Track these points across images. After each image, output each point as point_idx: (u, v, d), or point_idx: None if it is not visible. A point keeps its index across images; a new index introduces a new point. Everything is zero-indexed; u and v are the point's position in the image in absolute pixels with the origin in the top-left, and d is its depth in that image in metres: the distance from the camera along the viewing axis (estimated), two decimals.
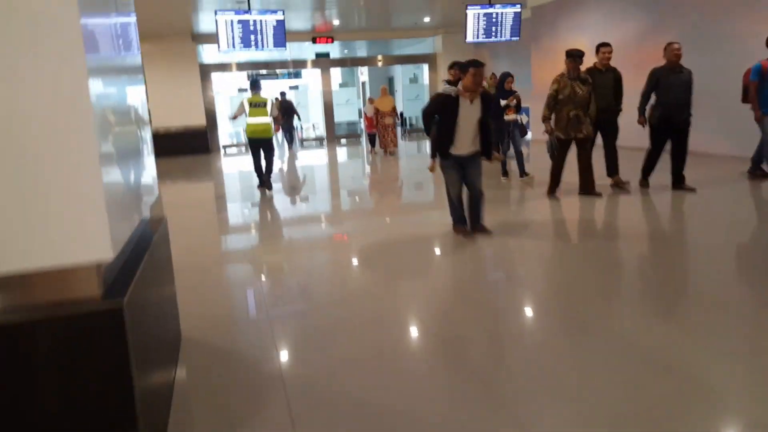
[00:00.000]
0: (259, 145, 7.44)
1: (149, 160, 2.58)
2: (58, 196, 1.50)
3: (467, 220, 4.69)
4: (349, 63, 16.71)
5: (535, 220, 5.34)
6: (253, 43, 8.94)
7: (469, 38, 10.20)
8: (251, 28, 8.85)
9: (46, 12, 1.43)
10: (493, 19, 10.18)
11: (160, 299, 2.35)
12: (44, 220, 1.50)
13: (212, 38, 12.51)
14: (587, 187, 5.81)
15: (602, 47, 5.89)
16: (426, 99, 15.82)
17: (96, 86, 1.58)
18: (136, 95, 2.39)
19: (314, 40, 14.35)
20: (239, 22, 8.77)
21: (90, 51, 1.56)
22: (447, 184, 4.57)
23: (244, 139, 12.78)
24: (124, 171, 1.96)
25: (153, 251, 2.24)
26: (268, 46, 9.04)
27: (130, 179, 2.07)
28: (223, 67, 14.77)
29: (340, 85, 17.08)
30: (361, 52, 18.81)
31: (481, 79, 4.15)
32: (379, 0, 11.00)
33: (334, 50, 16.80)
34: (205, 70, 13.93)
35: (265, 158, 7.50)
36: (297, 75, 22.43)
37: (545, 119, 5.60)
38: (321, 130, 15.88)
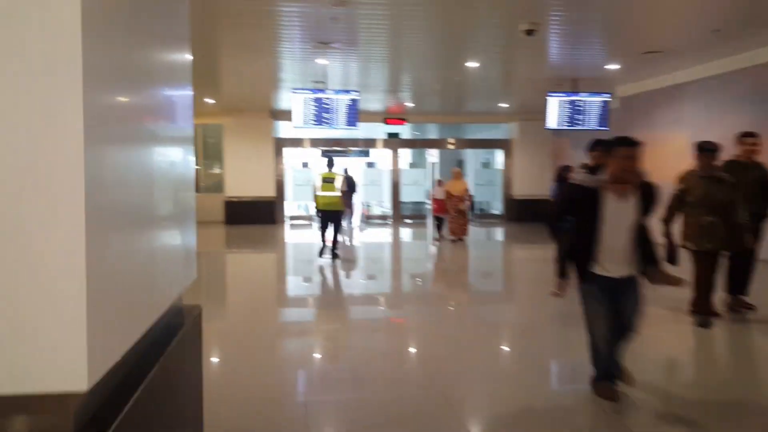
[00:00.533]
0: (328, 217, 8.05)
1: (186, 237, 2.07)
2: (13, 303, 1.10)
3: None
4: (419, 144, 16.62)
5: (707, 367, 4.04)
6: (326, 121, 8.87)
7: (550, 124, 9.63)
8: (325, 106, 8.81)
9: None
10: (579, 107, 9.61)
11: (172, 423, 1.75)
12: None
13: (289, 115, 12.93)
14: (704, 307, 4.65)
15: (747, 137, 4.93)
16: (499, 185, 15.22)
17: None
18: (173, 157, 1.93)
19: (386, 121, 14.42)
20: (314, 100, 8.77)
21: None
22: (588, 319, 3.09)
23: (312, 211, 13.61)
24: (134, 257, 1.47)
25: (169, 360, 1.69)
26: (340, 125, 8.92)
27: (146, 266, 1.58)
28: (296, 142, 15.11)
29: (410, 165, 16.96)
30: (433, 133, 18.81)
31: (636, 165, 2.89)
32: (454, 86, 10.84)
33: (405, 130, 16.87)
34: (280, 144, 14.26)
35: (334, 228, 8.13)
36: (366, 153, 22.83)
37: (666, 221, 4.53)
38: (387, 208, 15.62)
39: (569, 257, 3.10)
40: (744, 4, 5.89)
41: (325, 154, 20.08)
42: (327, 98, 8.81)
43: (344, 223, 10.31)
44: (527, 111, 13.87)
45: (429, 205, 17.19)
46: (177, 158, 1.97)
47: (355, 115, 8.96)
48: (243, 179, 13.62)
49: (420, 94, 11.99)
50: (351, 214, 14.01)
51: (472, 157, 18.97)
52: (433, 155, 22.91)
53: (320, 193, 7.92)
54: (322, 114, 8.84)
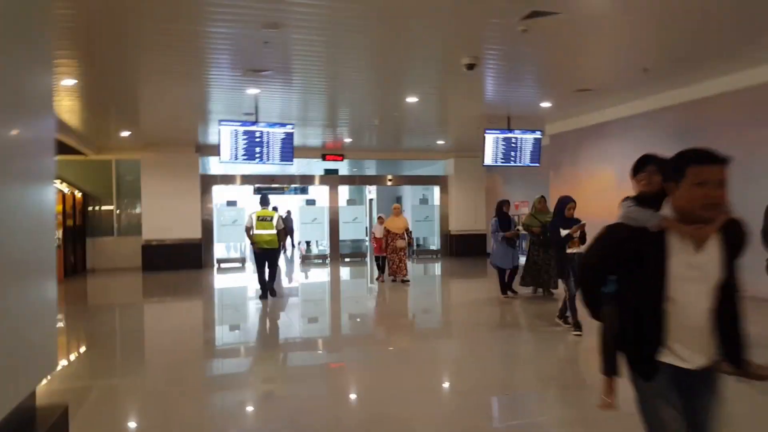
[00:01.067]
0: (264, 255, 8.08)
1: (39, 311, 1.42)
2: None
3: None
4: (357, 181, 16.32)
5: None
6: (258, 155, 8.26)
7: (488, 161, 9.60)
8: (257, 140, 8.23)
9: None
10: (513, 144, 9.68)
11: None
12: None
13: (217, 149, 12.17)
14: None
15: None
16: (436, 220, 15.10)
17: None
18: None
19: (324, 157, 13.99)
20: (245, 133, 8.16)
21: None
22: (649, 427, 1.94)
23: (246, 251, 13.19)
24: None
25: None
26: (274, 160, 8.34)
27: None
28: (227, 179, 14.26)
29: (348, 202, 16.51)
30: (370, 170, 18.60)
31: (722, 193, 1.80)
32: (392, 122, 10.67)
33: (343, 166, 16.53)
34: (208, 181, 13.35)
35: (269, 267, 8.18)
36: (304, 191, 22.17)
37: None
38: (325, 248, 14.99)
39: (618, 341, 1.98)
40: (672, 44, 6.09)
41: (258, 191, 19.39)
42: (259, 131, 8.23)
43: (280, 262, 10.12)
44: (463, 148, 13.98)
45: (368, 244, 16.83)
46: (28, 203, 1.37)
47: (290, 149, 8.42)
48: (164, 220, 12.52)
49: (358, 130, 11.70)
50: (285, 251, 13.35)
51: (409, 193, 18.88)
52: (371, 192, 22.73)
53: (256, 231, 7.97)
54: (254, 148, 8.23)
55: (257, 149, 8.25)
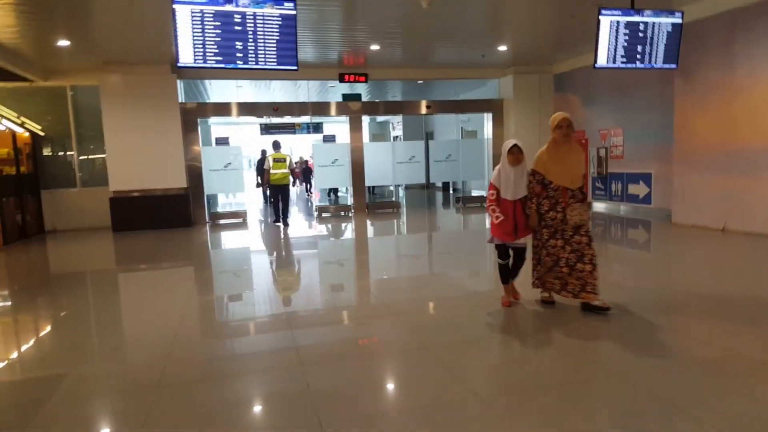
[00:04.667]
0: (278, 189, 9.59)
1: None
2: None
3: None
4: (382, 109, 12.78)
5: None
6: (238, 54, 5.04)
7: (602, 61, 6.21)
8: (236, 28, 4.98)
9: None
10: (641, 34, 6.23)
11: None
12: None
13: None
14: None
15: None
16: (487, 158, 11.80)
17: None
18: None
19: (342, 78, 10.64)
20: (216, 16, 4.91)
21: None
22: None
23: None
24: None
25: None
26: (266, 61, 5.13)
27: None
28: (216, 109, 11.08)
29: (373, 138, 13.33)
30: (395, 95, 15.16)
31: None
32: (431, 21, 7.27)
33: (365, 90, 13.25)
34: (190, 113, 10.18)
35: (282, 201, 9.62)
36: (317, 129, 18.89)
37: None
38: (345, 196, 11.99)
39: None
40: None
41: (266, 130, 16.61)
42: (239, 13, 4.96)
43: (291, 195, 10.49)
44: (527, 57, 10.46)
45: (401, 193, 13.84)
46: None
47: (291, 44, 5.18)
48: (137, 165, 9.53)
49: (387, 31, 8.24)
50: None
51: (447, 125, 15.48)
52: (395, 125, 19.32)
53: (273, 171, 9.38)
54: (231, 41, 5.00)
55: (238, 43, 5.02)
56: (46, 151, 10.05)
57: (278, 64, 5.15)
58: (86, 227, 9.91)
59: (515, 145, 3.78)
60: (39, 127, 9.90)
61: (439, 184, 17.12)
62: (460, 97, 12.96)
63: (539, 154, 3.85)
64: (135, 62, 9.26)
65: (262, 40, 5.06)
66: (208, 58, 4.99)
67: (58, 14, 6.67)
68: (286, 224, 9.56)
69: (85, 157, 10.16)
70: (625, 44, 6.22)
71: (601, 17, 6.04)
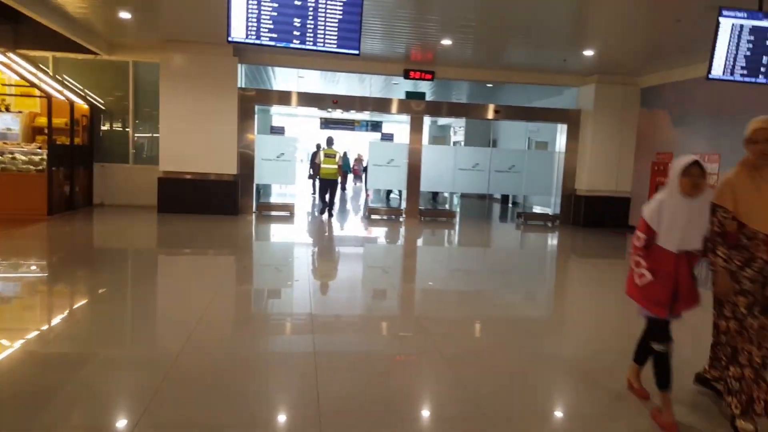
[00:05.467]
0: (327, 183, 10.06)
1: None
2: None
3: None
4: (446, 111, 11.90)
5: None
6: (296, 32, 4.50)
7: (717, 71, 5.22)
8: (296, 3, 4.44)
9: None
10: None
11: None
12: None
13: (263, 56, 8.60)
14: None
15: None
16: (557, 173, 10.80)
17: None
18: None
19: (407, 74, 10.01)
20: None
21: None
22: None
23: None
24: None
25: None
26: (325, 42, 4.55)
27: None
28: (276, 96, 10.72)
29: (434, 140, 12.65)
30: (460, 97, 14.36)
31: None
32: (508, 19, 6.47)
33: (430, 88, 12.60)
34: (248, 100, 9.85)
35: (330, 194, 10.11)
36: (376, 127, 18.39)
37: None
38: (398, 198, 11.32)
39: None
40: None
41: (326, 124, 16.56)
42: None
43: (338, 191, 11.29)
44: (613, 66, 9.43)
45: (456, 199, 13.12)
46: None
47: (354, 24, 4.57)
48: (188, 147, 9.28)
49: (452, 29, 7.52)
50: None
51: (513, 133, 14.51)
52: (456, 130, 18.49)
53: (323, 165, 9.80)
54: (288, 17, 4.47)
55: (296, 20, 4.47)
56: (105, 125, 10.02)
57: (338, 47, 4.56)
58: (133, 204, 9.78)
59: (696, 164, 2.37)
60: (102, 102, 9.87)
61: (497, 196, 16.17)
62: (534, 104, 12.00)
63: (725, 181, 2.56)
64: (197, 41, 9.01)
65: (323, 18, 4.49)
66: (262, 34, 4.47)
67: None
68: (330, 215, 10.06)
69: (141, 134, 10.05)
70: (748, 53, 5.20)
71: (721, 19, 5.07)
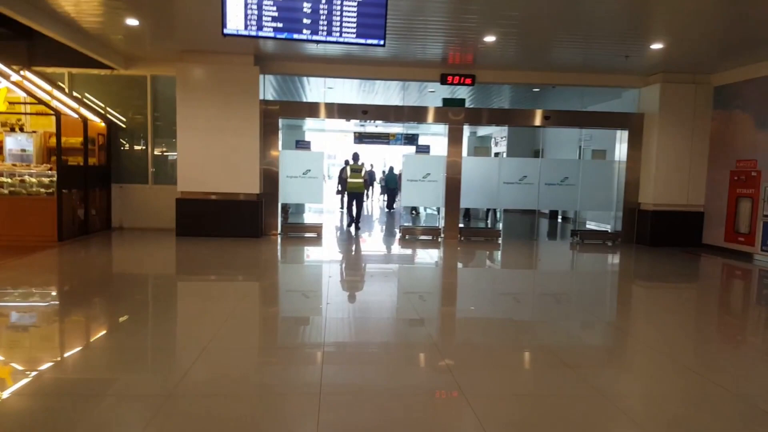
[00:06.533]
0: (354, 196, 10.55)
1: None
2: None
3: None
4: (486, 118, 10.70)
5: None
6: (305, 22, 3.62)
7: None
8: None
9: None
10: None
11: None
12: None
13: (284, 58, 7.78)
14: None
15: None
16: (617, 186, 9.52)
17: None
18: None
19: (444, 79, 9.06)
20: None
21: None
22: None
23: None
24: None
25: None
26: (342, 34, 3.66)
27: None
28: (303, 109, 9.95)
29: (475, 151, 11.61)
30: (502, 102, 13.25)
31: None
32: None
33: (469, 95, 11.61)
34: (271, 114, 9.10)
35: (356, 207, 10.57)
36: (411, 141, 17.47)
37: None
38: (435, 215, 10.31)
39: None
40: None
41: (360, 138, 15.97)
42: None
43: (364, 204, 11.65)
44: (683, 62, 8.18)
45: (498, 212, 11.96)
46: None
47: (378, 7, 3.65)
48: (208, 165, 8.61)
49: (495, 24, 6.49)
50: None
51: (558, 142, 13.27)
52: (498, 140, 17.33)
53: (350, 180, 10.35)
54: (296, 3, 3.59)
55: (305, 5, 3.59)
56: (124, 143, 9.50)
57: (358, 36, 3.64)
58: (154, 227, 9.17)
59: None
60: (123, 119, 9.36)
61: (545, 211, 14.88)
62: (587, 108, 10.78)
63: None
64: (214, 50, 8.35)
65: (338, 1, 3.58)
66: (264, 24, 3.61)
67: None
68: (357, 227, 10.50)
69: (160, 152, 9.47)
70: None
71: None
